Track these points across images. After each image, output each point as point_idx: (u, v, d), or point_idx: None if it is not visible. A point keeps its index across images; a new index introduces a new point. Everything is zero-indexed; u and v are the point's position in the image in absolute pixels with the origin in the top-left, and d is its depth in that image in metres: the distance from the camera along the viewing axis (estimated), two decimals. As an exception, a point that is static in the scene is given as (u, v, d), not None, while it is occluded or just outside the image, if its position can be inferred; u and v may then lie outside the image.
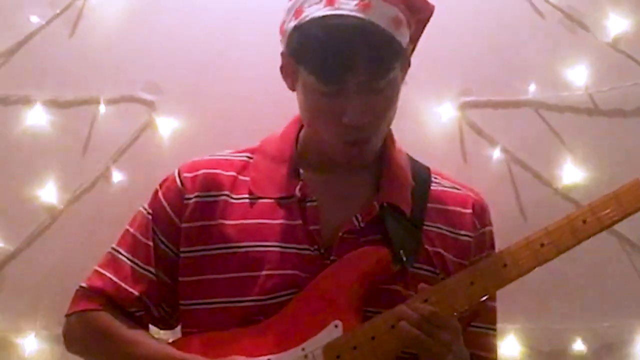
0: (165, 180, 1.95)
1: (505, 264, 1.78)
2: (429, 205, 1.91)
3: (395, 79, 1.81)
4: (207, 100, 2.57)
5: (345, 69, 1.74)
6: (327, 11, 1.75)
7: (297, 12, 1.79)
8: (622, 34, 2.60)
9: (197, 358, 1.77)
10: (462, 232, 1.92)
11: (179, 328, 1.95)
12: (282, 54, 1.86)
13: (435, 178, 1.97)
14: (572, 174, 2.59)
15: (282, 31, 1.84)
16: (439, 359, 1.72)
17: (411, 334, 1.70)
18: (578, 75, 2.59)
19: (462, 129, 2.61)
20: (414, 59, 1.88)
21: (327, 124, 1.81)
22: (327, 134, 1.82)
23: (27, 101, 2.55)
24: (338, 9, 1.75)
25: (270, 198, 1.87)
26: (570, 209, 2.49)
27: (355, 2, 1.75)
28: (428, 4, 1.89)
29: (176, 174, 1.93)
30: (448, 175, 2.01)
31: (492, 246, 1.97)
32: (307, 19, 1.76)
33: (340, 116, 1.77)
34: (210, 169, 1.92)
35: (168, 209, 1.90)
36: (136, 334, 1.87)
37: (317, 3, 1.77)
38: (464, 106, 2.60)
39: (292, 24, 1.79)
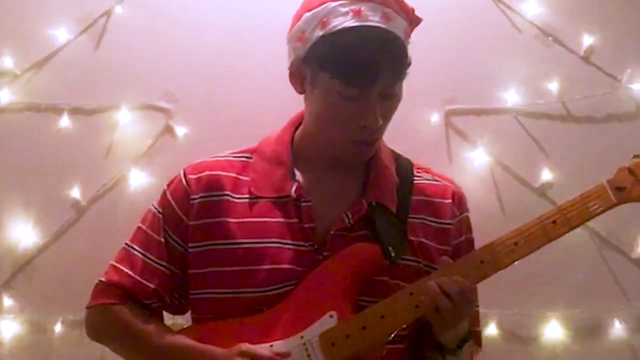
0: (172, 181, 1.92)
1: (483, 260, 1.76)
2: (413, 198, 1.89)
3: (402, 84, 1.81)
4: (219, 109, 2.55)
5: (372, 75, 1.73)
6: (356, 22, 1.74)
7: (324, 23, 1.76)
8: (593, 48, 2.58)
9: (209, 349, 1.75)
10: (443, 221, 1.89)
11: (188, 313, 1.93)
12: (293, 61, 1.83)
13: (418, 172, 1.95)
14: (547, 174, 2.57)
15: (300, 39, 1.80)
16: (448, 328, 1.74)
17: (443, 303, 1.69)
18: (553, 86, 2.58)
19: (448, 134, 2.59)
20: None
21: (343, 125, 1.78)
22: (339, 135, 1.80)
23: (55, 109, 2.53)
24: (366, 20, 1.75)
25: (268, 198, 1.84)
26: (546, 206, 2.50)
27: (379, 15, 1.76)
28: (417, 17, 1.89)
29: (182, 176, 1.89)
30: (428, 168, 1.98)
31: (469, 229, 1.96)
32: (337, 28, 1.75)
33: (359, 118, 1.76)
34: (212, 170, 1.88)
35: (176, 208, 1.87)
36: (154, 327, 1.84)
37: (343, 15, 1.75)
38: (450, 113, 2.58)
39: (319, 32, 1.76)
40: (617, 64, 2.57)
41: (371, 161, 1.89)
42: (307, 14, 1.80)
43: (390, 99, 1.78)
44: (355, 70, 1.72)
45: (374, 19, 1.75)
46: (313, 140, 1.87)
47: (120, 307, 1.86)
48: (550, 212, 1.79)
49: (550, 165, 2.56)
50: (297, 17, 1.83)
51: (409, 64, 1.81)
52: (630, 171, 1.79)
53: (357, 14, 1.75)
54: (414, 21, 1.87)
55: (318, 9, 1.79)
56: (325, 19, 1.76)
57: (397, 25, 1.78)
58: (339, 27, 1.75)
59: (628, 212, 1.84)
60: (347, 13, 1.75)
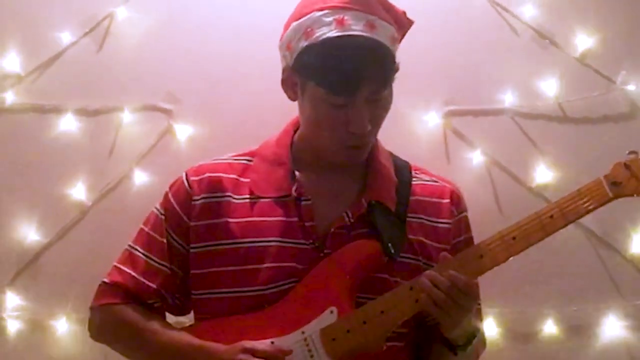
0: (174, 183, 1.92)
1: (482, 255, 1.77)
2: (411, 198, 1.89)
3: (391, 88, 1.80)
4: (220, 110, 2.55)
5: (356, 83, 1.73)
6: (340, 32, 1.74)
7: (308, 33, 1.76)
8: (588, 50, 2.57)
9: (212, 346, 1.75)
10: (442, 220, 1.90)
11: (191, 314, 1.93)
12: (284, 69, 1.84)
13: (416, 173, 1.96)
14: (543, 174, 2.56)
15: (288, 48, 1.81)
16: (455, 324, 1.73)
17: (438, 297, 1.69)
18: (549, 87, 2.57)
19: (446, 135, 2.58)
20: (404, 73, 1.86)
21: (332, 131, 1.79)
22: (330, 140, 1.81)
23: (59, 110, 2.53)
24: (349, 30, 1.74)
25: (269, 197, 1.84)
26: (542, 205, 2.45)
27: (363, 23, 1.75)
28: (409, 20, 1.89)
29: (184, 178, 1.90)
30: (426, 170, 1.99)
31: (468, 228, 1.97)
32: (321, 39, 1.75)
33: (346, 124, 1.77)
34: (214, 172, 1.89)
35: (178, 209, 1.87)
36: (156, 325, 1.84)
37: (327, 25, 1.75)
38: (448, 114, 2.57)
39: (304, 43, 1.77)
40: (612, 66, 2.56)
41: (370, 161, 1.90)
42: (294, 24, 1.81)
43: (378, 104, 1.78)
44: (339, 79, 1.73)
45: (357, 28, 1.74)
46: (309, 144, 1.88)
47: (123, 307, 1.87)
48: (548, 207, 1.80)
49: (546, 165, 2.55)
50: (286, 26, 1.84)
51: (397, 70, 1.81)
52: (626, 166, 1.81)
53: (340, 23, 1.75)
54: (404, 25, 1.87)
55: (303, 18, 1.79)
56: (309, 29, 1.77)
57: (383, 32, 1.77)
58: (322, 37, 1.75)
59: (623, 211, 1.85)
60: (330, 23, 1.75)
